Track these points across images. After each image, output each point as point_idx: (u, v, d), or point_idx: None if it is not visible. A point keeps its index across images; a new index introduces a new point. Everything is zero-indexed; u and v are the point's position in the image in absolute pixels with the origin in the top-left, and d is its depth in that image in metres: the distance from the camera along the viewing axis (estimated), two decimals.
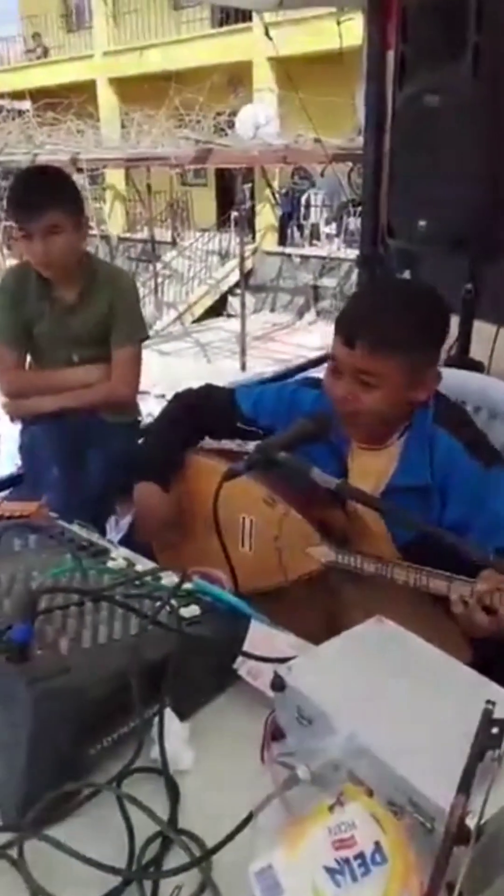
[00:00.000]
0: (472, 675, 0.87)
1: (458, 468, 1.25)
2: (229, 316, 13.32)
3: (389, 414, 1.28)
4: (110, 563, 1.10)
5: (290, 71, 8.18)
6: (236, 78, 13.69)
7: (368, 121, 2.89)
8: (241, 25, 13.10)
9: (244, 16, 12.77)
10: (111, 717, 0.85)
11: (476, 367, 2.36)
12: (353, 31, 3.38)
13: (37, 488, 2.24)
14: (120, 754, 0.85)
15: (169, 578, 1.06)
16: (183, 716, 0.91)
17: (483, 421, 1.58)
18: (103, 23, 16.60)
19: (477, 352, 2.36)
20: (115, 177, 16.22)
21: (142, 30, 15.76)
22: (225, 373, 9.77)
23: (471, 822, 0.67)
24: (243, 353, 10.73)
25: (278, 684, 0.87)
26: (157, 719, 0.87)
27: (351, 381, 1.25)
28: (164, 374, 9.04)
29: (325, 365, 1.32)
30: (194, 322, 13.47)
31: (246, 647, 0.97)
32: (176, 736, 0.88)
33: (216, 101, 12.57)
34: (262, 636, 1.00)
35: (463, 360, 2.29)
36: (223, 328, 12.82)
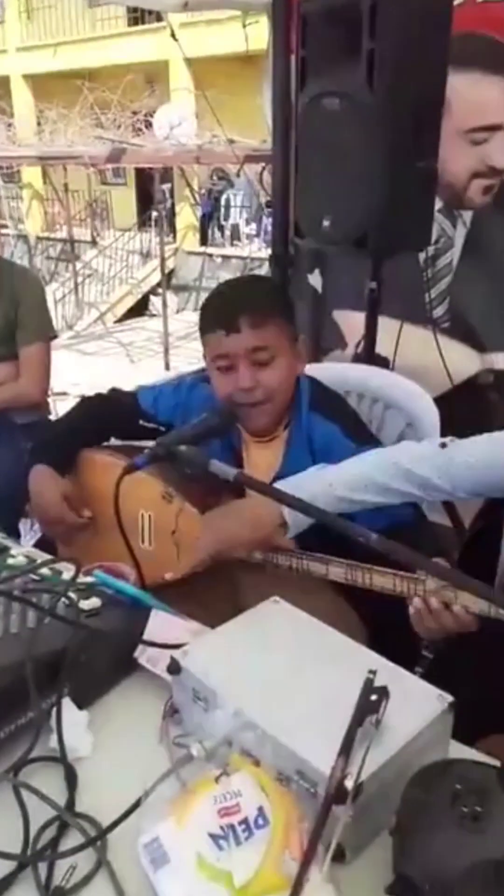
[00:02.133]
0: (358, 648, 0.92)
1: (335, 452, 1.31)
2: (152, 316, 13.24)
3: (288, 388, 1.35)
4: (10, 561, 1.10)
5: (205, 71, 8.23)
6: (153, 77, 13.60)
7: (275, 122, 2.94)
8: (156, 25, 13.02)
9: (160, 15, 12.71)
10: (9, 708, 0.86)
11: (382, 362, 2.46)
12: (262, 34, 3.43)
13: None
14: (19, 745, 0.86)
15: (70, 573, 1.07)
16: (83, 704, 0.93)
17: (378, 412, 1.66)
18: (16, 18, 16.20)
19: (383, 347, 2.45)
20: (32, 175, 15.86)
21: (56, 26, 15.46)
22: (148, 372, 9.71)
23: (349, 783, 0.72)
24: (167, 352, 10.68)
25: (174, 668, 0.90)
26: (54, 709, 0.88)
27: (247, 366, 1.30)
28: (86, 374, 8.92)
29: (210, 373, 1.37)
30: (116, 322, 13.31)
31: (147, 635, 1.00)
32: (74, 724, 0.89)
33: (133, 99, 12.46)
34: (162, 624, 1.02)
35: (370, 356, 2.37)
36: (146, 328, 12.72)
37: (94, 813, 0.80)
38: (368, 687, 0.80)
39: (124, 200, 15.51)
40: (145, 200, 14.60)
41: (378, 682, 0.82)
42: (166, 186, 12.58)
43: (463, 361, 2.71)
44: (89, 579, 1.07)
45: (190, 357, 10.62)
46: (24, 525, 2.50)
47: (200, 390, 1.44)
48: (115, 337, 12.21)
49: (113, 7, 14.24)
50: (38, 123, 13.86)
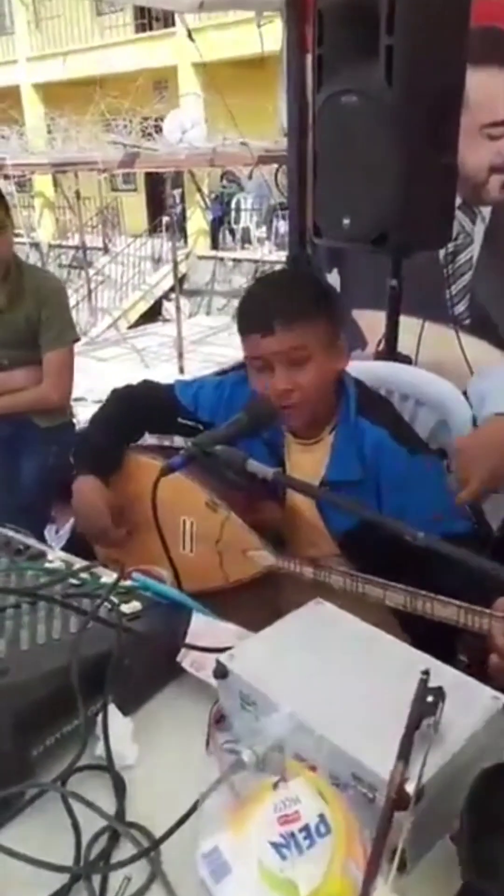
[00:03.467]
0: (408, 649, 0.90)
1: (386, 458, 1.29)
2: (165, 321, 13.26)
3: (327, 388, 1.32)
4: (48, 565, 1.09)
5: (215, 75, 8.23)
6: (162, 82, 13.65)
7: (290, 122, 2.93)
8: (163, 31, 13.08)
9: (167, 21, 12.76)
10: (53, 716, 0.85)
11: (405, 360, 2.44)
12: (274, 35, 3.42)
13: None
14: (65, 753, 0.85)
15: (109, 577, 1.06)
16: (127, 711, 0.92)
17: (410, 409, 1.64)
18: (25, 28, 16.33)
19: (404, 346, 2.43)
20: (43, 184, 15.96)
21: (65, 35, 15.57)
22: (163, 378, 9.72)
23: (410, 788, 0.70)
24: (181, 357, 10.69)
25: (220, 672, 0.88)
26: (100, 716, 0.87)
27: (283, 368, 1.28)
28: (101, 380, 8.96)
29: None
30: (130, 328, 13.35)
31: (189, 639, 0.98)
32: (120, 732, 0.88)
33: (142, 105, 12.51)
34: (204, 627, 1.01)
35: (392, 354, 2.35)
36: (159, 333, 12.75)
37: (145, 823, 0.79)
38: (423, 688, 0.78)
39: (135, 206, 15.58)
40: (156, 206, 14.65)
41: (431, 681, 0.80)
42: (177, 191, 12.60)
43: (485, 358, 2.68)
44: (128, 582, 1.06)
45: (204, 361, 10.64)
46: (48, 531, 2.50)
47: (244, 388, 1.40)
48: (129, 342, 12.24)
49: (120, 14, 14.34)
50: (49, 132, 13.94)
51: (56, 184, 15.54)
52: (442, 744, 0.75)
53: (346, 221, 2.15)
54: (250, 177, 12.14)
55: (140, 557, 1.35)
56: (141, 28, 14.58)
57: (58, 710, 0.85)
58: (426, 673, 0.80)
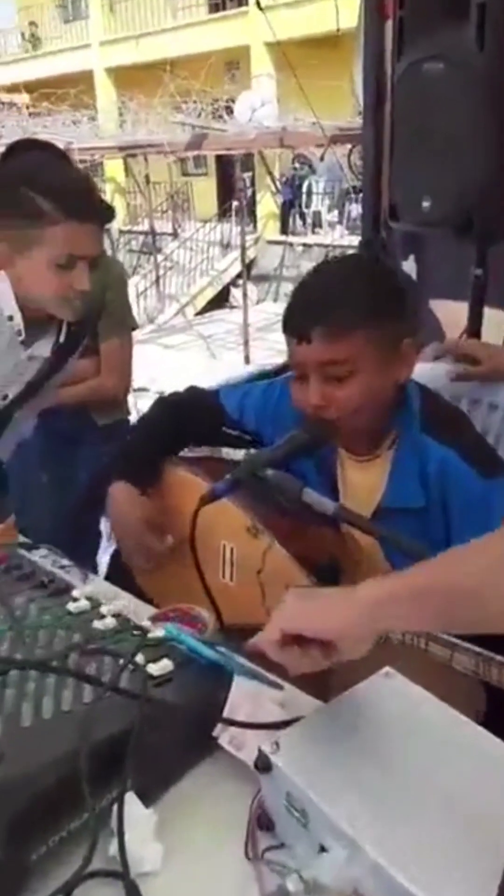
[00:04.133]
0: (496, 742, 0.71)
1: (456, 483, 1.09)
2: (232, 307, 13.14)
3: (375, 404, 1.12)
4: (70, 606, 0.94)
5: (288, 55, 7.99)
6: (234, 63, 13.46)
7: (367, 97, 2.72)
8: (236, 10, 12.88)
9: (241, 1, 12.54)
10: (58, 811, 0.69)
11: None
12: (350, 11, 3.21)
13: (25, 493, 2.11)
14: (71, 855, 0.70)
15: (137, 620, 0.91)
16: (149, 800, 0.76)
17: (482, 414, 1.43)
18: (99, 12, 16.40)
19: (488, 340, 2.21)
20: (114, 169, 16.03)
21: (137, 18, 15.54)
22: (229, 365, 9.61)
23: None
24: (246, 344, 10.54)
25: (263, 764, 0.71)
26: (115, 807, 0.72)
27: (319, 381, 1.09)
28: (166, 368, 8.88)
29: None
30: (197, 314, 13.29)
31: (228, 709, 0.82)
32: (140, 827, 0.72)
33: (213, 86, 12.34)
34: (246, 694, 0.84)
35: None
36: (226, 320, 12.63)
37: None
38: None
39: (206, 191, 15.50)
40: (227, 190, 14.51)
41: None
42: (247, 175, 12.41)
43: None
44: (159, 632, 0.90)
45: (270, 349, 10.46)
46: (105, 526, 2.40)
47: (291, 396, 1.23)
48: (196, 329, 12.18)
49: None
50: (120, 114, 13.95)
51: (127, 169, 15.59)
52: None
53: (427, 203, 1.95)
54: (322, 158, 11.82)
55: (181, 583, 1.20)
56: (214, 8, 14.43)
57: (64, 802, 0.70)
58: None
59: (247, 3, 11.56)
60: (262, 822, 0.74)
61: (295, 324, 1.11)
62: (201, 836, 0.76)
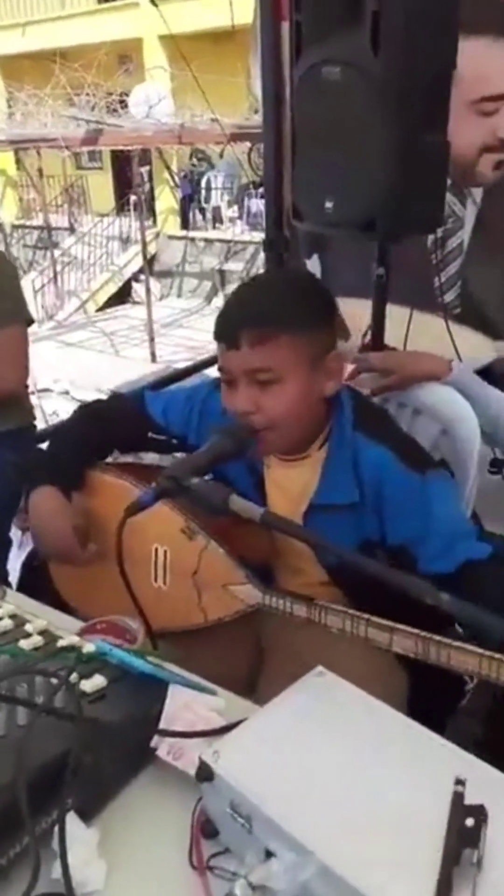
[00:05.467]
0: (436, 741, 0.74)
1: (390, 481, 1.13)
2: (134, 303, 12.97)
3: (301, 414, 1.15)
4: None
5: (182, 49, 7.93)
6: (126, 56, 13.23)
7: (266, 98, 2.74)
8: (127, 1, 12.66)
9: None
10: None
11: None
12: (245, 5, 3.22)
13: None
14: (11, 882, 0.68)
15: (64, 635, 0.89)
16: (89, 817, 0.75)
17: (408, 418, 1.48)
18: None
19: (391, 337, 2.28)
20: (4, 161, 15.46)
21: (23, 5, 15.01)
22: (134, 363, 9.49)
23: None
24: (152, 341, 10.43)
25: (205, 774, 0.72)
26: (57, 828, 0.71)
27: (248, 387, 1.11)
28: (69, 367, 8.66)
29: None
30: (98, 310, 13.04)
31: (164, 720, 0.82)
32: (82, 847, 0.71)
33: (106, 79, 12.10)
34: (183, 703, 0.84)
35: (378, 346, 2.20)
36: (129, 316, 12.46)
37: None
38: (460, 806, 0.63)
39: (101, 185, 15.18)
40: (123, 184, 14.29)
41: (468, 791, 0.65)
42: (145, 169, 12.25)
43: (476, 350, 2.54)
44: (90, 647, 0.89)
45: (176, 346, 10.41)
46: (15, 534, 2.32)
47: (216, 401, 1.23)
48: (98, 326, 11.96)
49: None
50: (9, 106, 13.45)
51: (18, 161, 15.07)
52: (489, 883, 0.60)
53: (329, 205, 1.98)
54: (221, 155, 11.83)
55: (106, 594, 1.19)
56: None
57: (5, 828, 0.68)
58: (461, 782, 0.64)
59: None
60: (206, 830, 0.75)
61: (225, 330, 1.12)
62: (144, 849, 0.76)
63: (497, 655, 0.80)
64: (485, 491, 1.87)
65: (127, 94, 11.65)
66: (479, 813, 0.62)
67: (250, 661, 1.28)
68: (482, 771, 0.70)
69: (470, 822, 0.61)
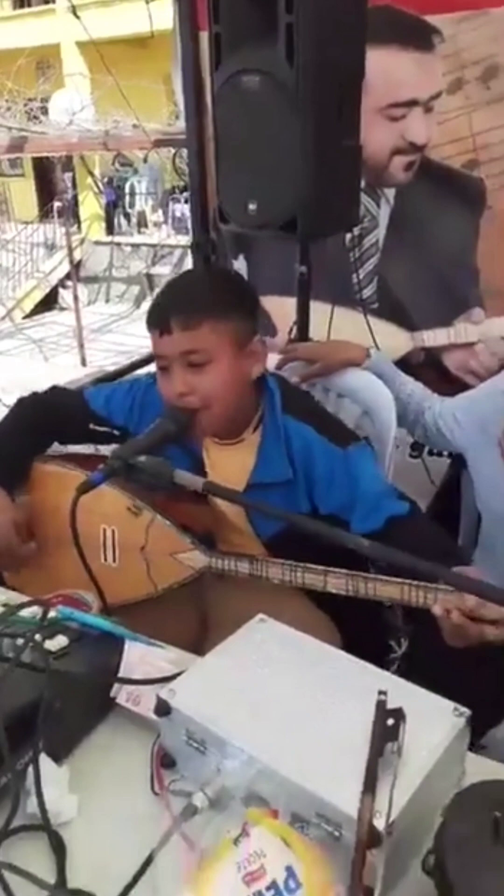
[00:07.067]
0: (361, 665, 0.86)
1: (317, 456, 1.25)
2: (62, 309, 12.83)
3: (232, 394, 1.25)
4: None
5: (101, 55, 7.92)
6: (45, 62, 13.09)
7: (187, 104, 2.83)
8: (43, 7, 12.54)
9: None
10: None
11: None
12: (164, 12, 3.29)
13: None
14: None
15: (28, 610, 0.97)
16: (60, 757, 0.83)
17: (332, 401, 1.60)
18: None
19: (315, 332, 2.40)
20: None
21: None
22: (64, 369, 9.40)
23: (379, 824, 0.65)
24: (82, 347, 10.36)
25: (162, 709, 0.81)
26: (31, 768, 0.78)
27: (181, 371, 1.21)
28: None
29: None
30: (25, 318, 12.84)
31: (122, 671, 0.91)
32: (55, 784, 0.80)
33: (25, 86, 11.96)
34: (138, 656, 0.93)
35: (304, 341, 2.32)
36: (57, 322, 12.32)
37: (92, 887, 0.71)
38: (382, 710, 0.74)
39: (24, 191, 14.95)
40: (46, 191, 14.12)
41: (389, 700, 0.76)
42: (68, 175, 12.15)
43: (394, 341, 2.69)
44: (52, 614, 0.96)
45: (106, 351, 10.36)
46: None
47: (157, 392, 1.31)
48: (26, 333, 11.77)
49: None
50: None
51: None
52: (408, 768, 0.71)
53: (252, 207, 2.08)
54: (145, 160, 11.85)
55: (58, 576, 1.26)
56: (19, 4, 13.93)
57: None
58: (383, 692, 0.75)
59: (54, 1, 11.29)
60: (165, 761, 0.84)
61: (157, 317, 1.22)
62: (111, 782, 0.84)
63: (414, 583, 0.92)
64: (404, 472, 2.02)
65: (46, 101, 11.54)
66: (399, 714, 0.73)
67: (196, 632, 1.37)
68: (402, 685, 0.81)
69: (391, 721, 0.72)
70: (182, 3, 2.68)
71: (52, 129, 10.21)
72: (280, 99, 1.94)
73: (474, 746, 0.83)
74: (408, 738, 0.73)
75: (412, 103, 2.44)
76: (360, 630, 1.37)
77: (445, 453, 2.39)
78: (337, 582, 0.99)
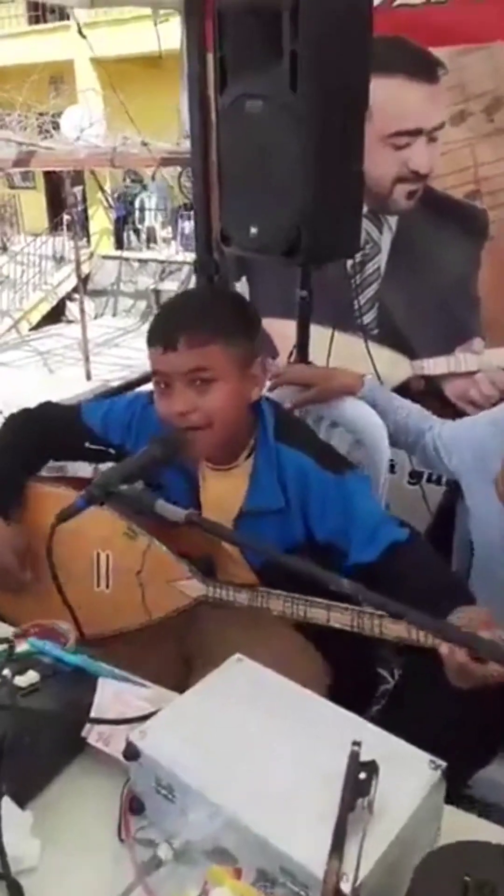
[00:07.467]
0: (338, 713, 0.83)
1: (312, 484, 1.23)
2: (69, 322, 12.88)
3: (233, 415, 1.23)
4: None
5: (113, 72, 8.02)
6: (58, 77, 13.23)
7: (193, 125, 2.84)
8: (58, 24, 12.68)
9: (62, 14, 12.37)
10: None
11: None
12: (172, 32, 3.32)
13: None
14: None
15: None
16: (24, 800, 0.81)
17: (325, 430, 1.59)
18: None
19: (314, 356, 2.39)
20: None
21: None
22: (69, 382, 9.41)
23: (346, 888, 0.63)
24: (87, 360, 10.38)
25: (132, 753, 0.79)
26: None
27: (184, 389, 1.19)
28: (1, 386, 8.55)
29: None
30: (32, 330, 12.89)
31: (95, 710, 0.88)
32: (17, 829, 0.77)
33: (37, 101, 12.08)
34: (112, 694, 0.91)
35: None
36: (64, 335, 12.36)
37: None
38: (355, 762, 0.72)
39: (34, 204, 15.06)
40: (56, 204, 14.21)
41: (363, 752, 0.73)
42: (77, 189, 12.24)
43: (394, 368, 2.68)
44: (23, 646, 0.94)
45: (111, 365, 10.37)
46: None
47: (154, 410, 1.29)
48: (32, 345, 11.82)
49: (12, 4, 13.81)
50: None
51: None
52: (379, 826, 0.69)
53: (254, 230, 2.08)
54: (153, 177, 11.94)
55: (46, 604, 1.23)
56: (34, 20, 14.10)
57: None
58: (357, 743, 0.73)
59: (68, 18, 11.42)
60: (133, 806, 0.81)
61: (161, 334, 1.20)
62: (76, 828, 0.82)
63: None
64: (402, 498, 2.00)
65: (58, 116, 11.65)
66: (372, 767, 0.71)
67: (179, 665, 1.34)
68: (377, 735, 0.79)
69: (363, 775, 0.70)
70: (190, 24, 2.69)
71: (60, 145, 10.30)
72: (283, 124, 1.95)
73: (461, 787, 0.80)
74: (380, 792, 0.70)
75: (417, 132, 2.45)
76: (349, 659, 1.35)
77: (444, 480, 2.38)
78: (341, 618, 0.97)
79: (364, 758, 0.72)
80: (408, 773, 0.74)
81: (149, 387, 1.33)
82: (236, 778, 0.74)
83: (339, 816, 0.67)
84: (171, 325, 1.21)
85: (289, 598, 1.10)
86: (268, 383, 1.58)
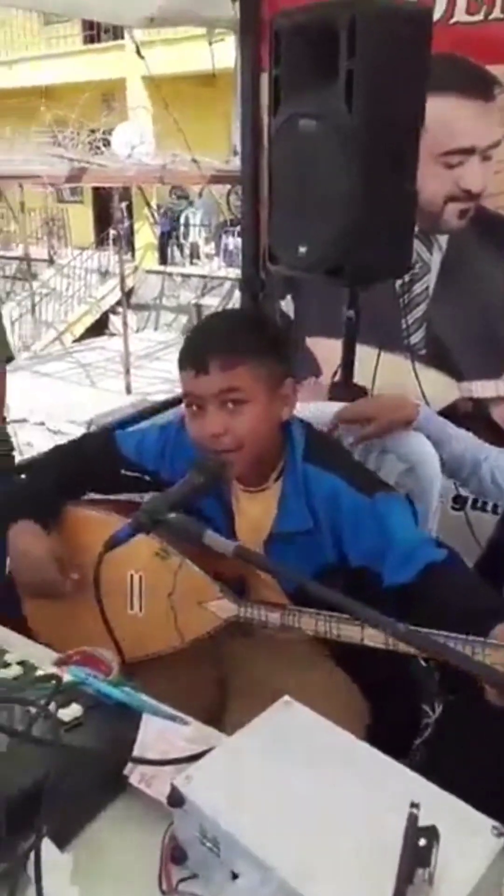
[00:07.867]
0: (392, 767, 0.78)
1: (343, 506, 1.20)
2: (111, 335, 13.04)
3: (264, 436, 1.22)
4: None
5: (164, 90, 8.12)
6: (110, 95, 13.50)
7: (244, 144, 2.84)
8: (111, 43, 12.96)
9: (116, 34, 12.63)
10: None
11: (361, 391, 2.36)
12: (227, 52, 3.35)
13: None
14: None
15: (42, 665, 0.92)
16: (64, 841, 0.78)
17: (375, 458, 1.54)
18: None
19: (360, 376, 2.35)
20: None
21: (11, 43, 15.28)
22: (109, 395, 9.51)
23: None
24: (128, 373, 10.48)
25: (176, 799, 0.75)
26: (32, 855, 0.73)
27: (216, 411, 1.18)
28: (45, 397, 8.66)
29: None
30: (75, 342, 13.08)
31: (138, 748, 0.85)
32: (56, 873, 0.74)
33: (90, 118, 12.32)
34: (156, 732, 0.87)
35: (348, 385, 2.27)
36: (106, 348, 12.51)
37: None
38: (414, 828, 0.67)
39: (82, 218, 15.35)
40: (103, 218, 14.46)
41: (420, 814, 0.69)
42: (124, 204, 12.43)
43: (441, 389, 2.62)
44: (67, 676, 0.92)
45: (151, 378, 10.45)
46: None
47: (187, 435, 1.28)
48: (74, 357, 11.98)
49: (68, 25, 14.16)
50: None
51: None
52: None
53: (303, 250, 2.06)
54: (200, 194, 12.06)
55: (79, 626, 1.22)
56: (89, 39, 14.43)
57: None
58: (415, 805, 0.68)
59: (122, 37, 11.65)
60: (176, 855, 0.78)
61: (195, 357, 1.19)
62: (115, 874, 0.78)
63: (461, 636, 0.85)
64: (445, 526, 1.93)
65: (109, 133, 11.86)
66: (432, 834, 0.66)
67: (214, 694, 1.31)
68: (435, 794, 0.74)
69: (423, 842, 0.65)
70: (245, 44, 2.70)
71: (111, 162, 10.48)
72: (336, 144, 1.93)
73: None
74: (441, 860, 0.65)
75: (470, 151, 2.40)
76: (389, 693, 1.30)
77: (490, 508, 2.31)
78: (375, 636, 0.92)
79: (422, 821, 0.67)
80: (469, 839, 0.69)
81: (177, 410, 1.32)
82: (286, 838, 0.69)
83: (397, 890, 0.62)
84: (201, 348, 1.21)
85: (321, 615, 1.06)
86: (300, 404, 1.55)
